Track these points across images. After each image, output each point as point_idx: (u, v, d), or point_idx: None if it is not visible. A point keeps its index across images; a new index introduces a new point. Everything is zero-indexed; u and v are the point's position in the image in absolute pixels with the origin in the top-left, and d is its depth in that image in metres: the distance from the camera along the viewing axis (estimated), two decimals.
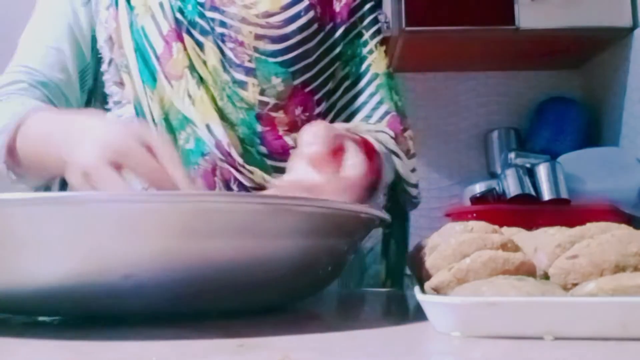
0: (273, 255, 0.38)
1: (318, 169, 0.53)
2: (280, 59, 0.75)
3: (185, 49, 0.74)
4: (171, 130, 0.73)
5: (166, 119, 0.73)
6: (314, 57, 0.78)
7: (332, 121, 0.80)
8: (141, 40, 0.75)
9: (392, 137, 0.75)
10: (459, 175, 2.28)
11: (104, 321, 0.39)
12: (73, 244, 0.34)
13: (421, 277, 0.41)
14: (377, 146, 0.68)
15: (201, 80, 0.73)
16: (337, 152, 0.54)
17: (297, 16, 0.77)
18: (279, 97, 0.75)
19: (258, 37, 0.75)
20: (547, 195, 1.82)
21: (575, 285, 0.34)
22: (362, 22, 0.82)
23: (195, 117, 0.72)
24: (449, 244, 0.39)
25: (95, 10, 0.78)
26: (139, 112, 0.74)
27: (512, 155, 2.02)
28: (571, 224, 0.39)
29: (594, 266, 0.33)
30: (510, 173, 1.88)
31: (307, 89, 0.77)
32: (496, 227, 0.42)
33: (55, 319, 0.42)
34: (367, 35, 0.82)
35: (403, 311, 0.55)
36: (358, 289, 0.83)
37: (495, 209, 1.86)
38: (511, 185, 1.86)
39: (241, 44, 0.74)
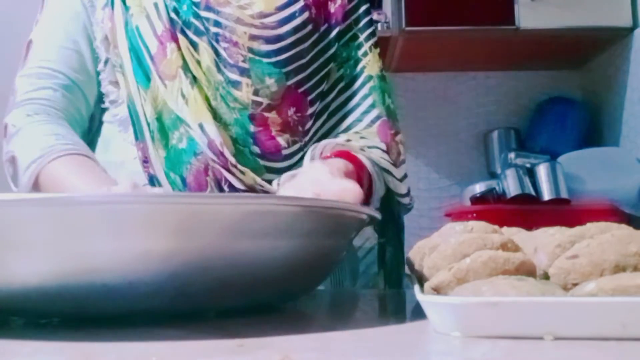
0: (268, 255, 0.38)
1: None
2: (274, 59, 0.75)
3: (179, 49, 0.74)
4: (164, 129, 0.73)
5: (159, 119, 0.73)
6: (308, 58, 0.78)
7: (324, 123, 0.80)
8: (135, 40, 0.75)
9: (384, 151, 0.76)
10: (459, 175, 2.28)
11: (104, 321, 0.39)
12: (67, 245, 0.35)
13: (421, 277, 0.41)
14: (369, 167, 0.73)
15: (195, 80, 0.74)
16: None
17: (291, 17, 0.77)
18: (273, 98, 0.75)
19: (252, 37, 0.75)
20: (547, 195, 1.82)
21: (575, 285, 0.34)
22: (357, 24, 0.83)
23: (188, 116, 0.72)
24: (449, 244, 0.39)
25: (92, 10, 0.78)
26: (132, 111, 0.75)
27: (512, 155, 2.02)
28: (571, 224, 0.39)
29: (594, 266, 0.33)
30: (510, 173, 1.88)
31: (301, 90, 0.77)
32: (496, 227, 0.42)
33: (55, 319, 0.42)
34: (362, 37, 0.82)
35: (403, 311, 0.55)
36: (357, 289, 0.83)
37: (495, 209, 1.86)
38: (511, 185, 1.86)
39: (235, 44, 0.75)
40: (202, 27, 0.76)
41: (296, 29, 0.77)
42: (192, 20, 0.76)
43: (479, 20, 1.96)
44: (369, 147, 0.76)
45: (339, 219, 0.44)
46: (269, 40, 0.75)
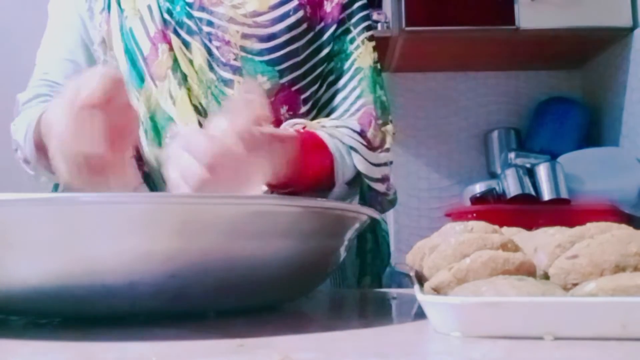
0: (268, 255, 0.39)
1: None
2: (267, 57, 0.76)
3: (170, 49, 0.76)
4: (157, 129, 0.75)
5: (152, 118, 0.75)
6: (303, 56, 0.78)
7: (314, 117, 0.79)
8: (130, 42, 0.77)
9: (355, 131, 0.73)
10: (459, 175, 2.28)
11: (104, 321, 0.39)
12: (68, 245, 0.35)
13: (421, 277, 0.41)
14: (326, 139, 0.70)
15: (184, 80, 0.75)
16: None
17: (285, 15, 0.77)
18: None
19: (245, 36, 0.76)
20: (547, 195, 1.82)
21: (575, 285, 0.34)
22: (351, 19, 0.82)
23: (176, 116, 0.74)
24: (449, 244, 0.39)
25: (91, 16, 0.80)
26: None
27: (512, 155, 2.02)
28: (571, 224, 0.39)
29: (594, 266, 0.33)
30: (510, 173, 1.88)
31: (294, 88, 0.77)
32: (496, 227, 0.42)
33: (55, 319, 0.42)
34: (355, 31, 0.81)
35: (403, 311, 0.55)
36: (357, 289, 0.83)
37: (495, 209, 1.87)
38: (511, 185, 1.86)
39: (227, 42, 0.75)
40: (195, 27, 0.77)
41: (290, 28, 0.77)
42: (185, 20, 0.77)
43: (479, 20, 1.96)
44: (337, 127, 0.73)
45: (339, 219, 0.44)
46: (261, 39, 0.76)
